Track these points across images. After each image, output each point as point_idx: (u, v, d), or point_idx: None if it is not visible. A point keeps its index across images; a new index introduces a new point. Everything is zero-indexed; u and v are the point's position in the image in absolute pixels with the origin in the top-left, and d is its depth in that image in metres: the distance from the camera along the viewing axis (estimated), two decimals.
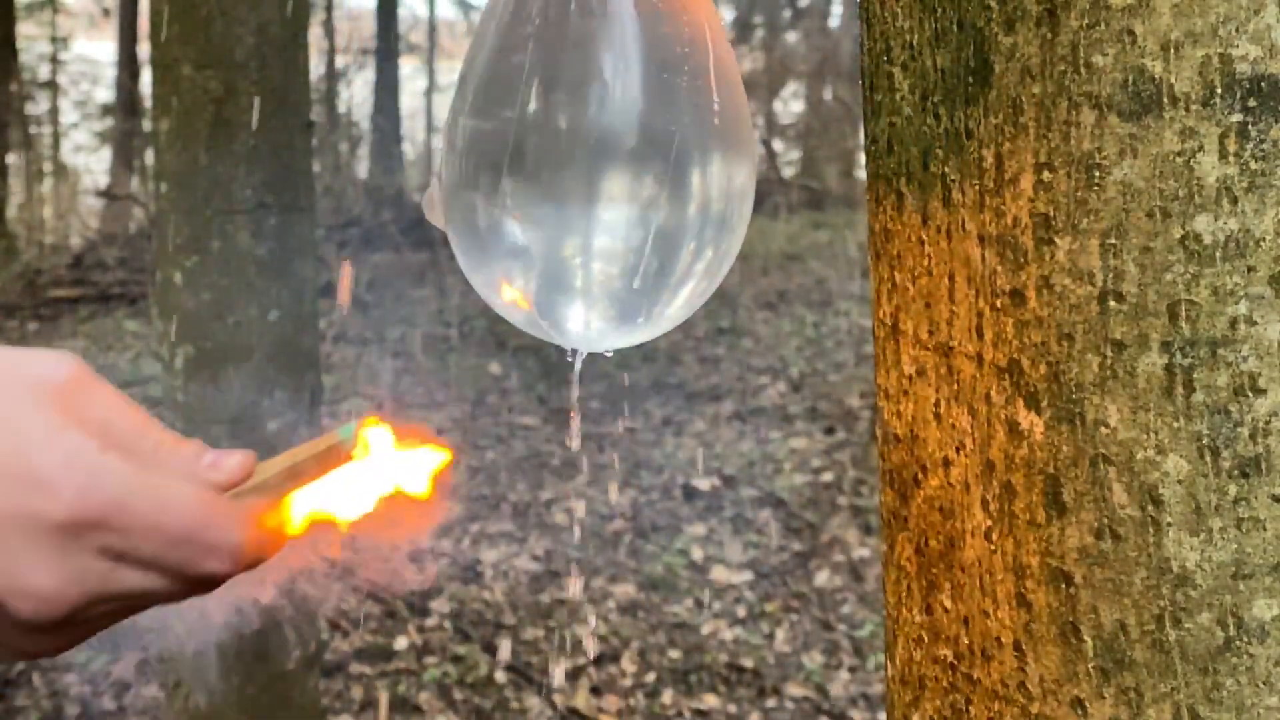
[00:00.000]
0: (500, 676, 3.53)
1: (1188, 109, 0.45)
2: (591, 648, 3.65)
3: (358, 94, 12.75)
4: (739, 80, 0.68)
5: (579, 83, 0.63)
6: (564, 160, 0.63)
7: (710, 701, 3.43)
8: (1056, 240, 0.48)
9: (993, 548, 0.52)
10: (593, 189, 0.63)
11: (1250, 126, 0.45)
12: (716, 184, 0.66)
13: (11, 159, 10.11)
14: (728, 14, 13.89)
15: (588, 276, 0.64)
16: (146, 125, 10.39)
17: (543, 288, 0.65)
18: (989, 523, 0.52)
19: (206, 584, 0.56)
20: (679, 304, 0.68)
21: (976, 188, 0.51)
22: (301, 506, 0.59)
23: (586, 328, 0.66)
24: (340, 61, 12.50)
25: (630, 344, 0.68)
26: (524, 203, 0.63)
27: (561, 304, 0.65)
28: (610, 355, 0.67)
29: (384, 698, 3.45)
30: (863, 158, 0.61)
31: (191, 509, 0.54)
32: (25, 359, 0.54)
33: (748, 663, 3.60)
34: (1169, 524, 0.47)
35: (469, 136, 0.66)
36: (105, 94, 12.63)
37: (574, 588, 4.01)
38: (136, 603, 0.55)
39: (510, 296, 0.65)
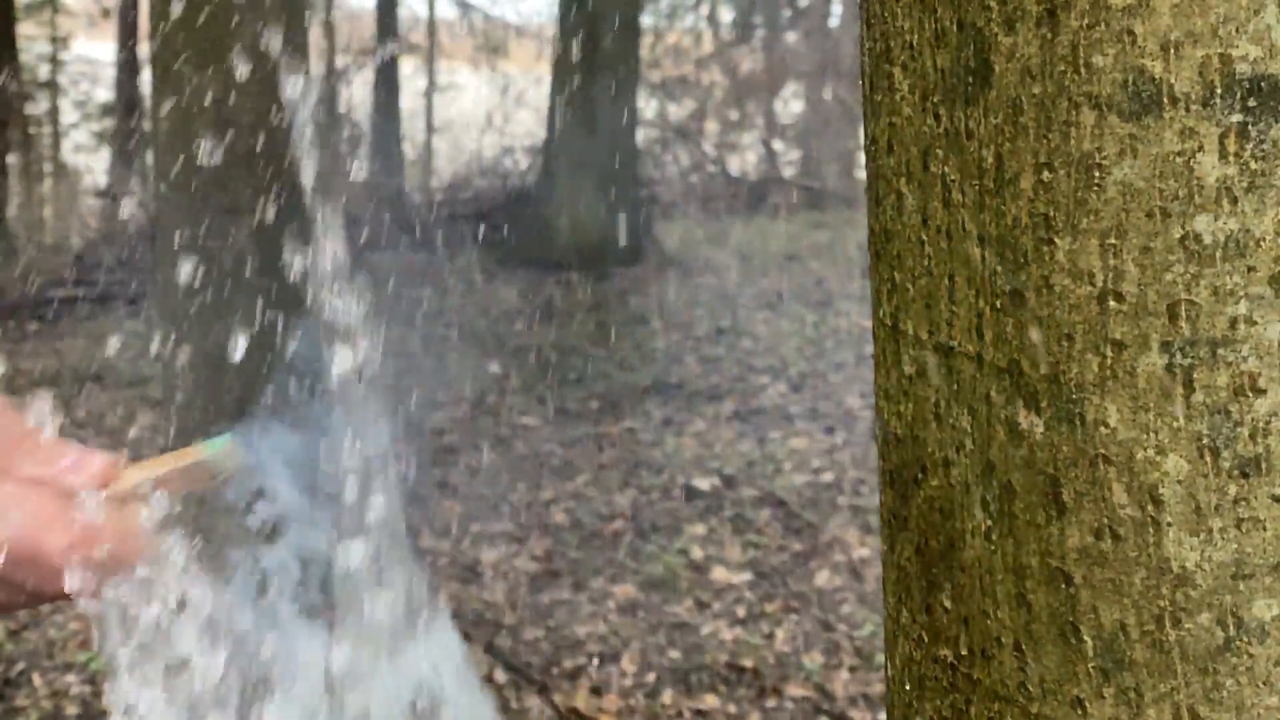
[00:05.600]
0: (500, 676, 3.52)
1: (1188, 109, 0.45)
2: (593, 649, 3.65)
3: (357, 94, 12.73)
4: None
5: None
6: None
7: (710, 701, 3.42)
8: (1056, 240, 0.48)
9: (993, 548, 0.52)
10: None
11: (1250, 126, 0.45)
12: None
13: (11, 159, 10.10)
14: (727, 14, 13.87)
15: None
16: (146, 125, 10.38)
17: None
18: (989, 523, 0.52)
19: (37, 597, 0.50)
20: None
21: (976, 188, 0.51)
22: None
23: None
24: (340, 61, 12.48)
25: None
26: None
27: None
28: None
29: None
30: (863, 158, 0.61)
31: (21, 517, 0.48)
32: None
33: (748, 663, 3.60)
34: (1169, 524, 0.47)
35: None
36: (105, 94, 12.62)
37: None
38: None
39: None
